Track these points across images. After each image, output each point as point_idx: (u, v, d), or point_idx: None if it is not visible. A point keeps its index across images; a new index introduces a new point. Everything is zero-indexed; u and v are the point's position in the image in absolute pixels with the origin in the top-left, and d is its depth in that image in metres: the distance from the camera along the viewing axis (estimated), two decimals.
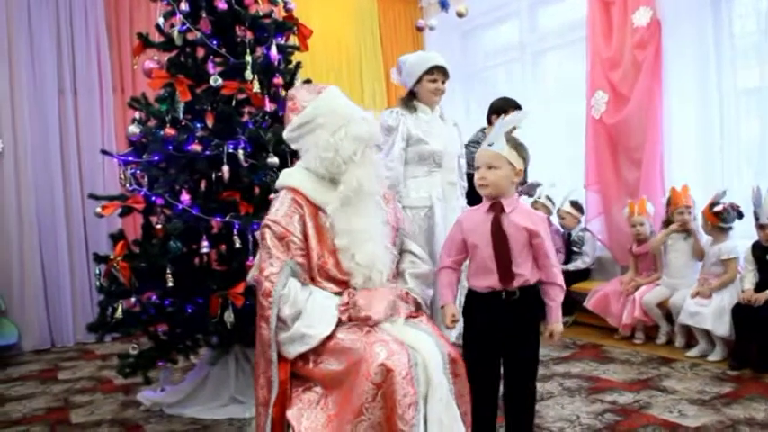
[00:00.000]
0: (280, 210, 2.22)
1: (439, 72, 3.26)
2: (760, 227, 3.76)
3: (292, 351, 2.08)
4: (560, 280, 2.35)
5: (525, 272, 2.29)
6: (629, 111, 4.77)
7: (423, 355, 2.01)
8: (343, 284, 2.22)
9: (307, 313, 2.10)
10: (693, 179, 4.49)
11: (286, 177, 2.36)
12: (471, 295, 2.38)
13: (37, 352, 5.17)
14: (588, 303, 4.79)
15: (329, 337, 2.08)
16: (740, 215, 3.98)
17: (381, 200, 2.36)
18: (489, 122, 4.43)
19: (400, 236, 2.43)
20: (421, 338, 2.08)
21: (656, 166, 4.67)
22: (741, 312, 3.69)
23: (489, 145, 2.30)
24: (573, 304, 5.14)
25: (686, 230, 4.29)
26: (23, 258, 5.25)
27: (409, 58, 3.37)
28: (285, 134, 2.40)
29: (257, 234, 2.94)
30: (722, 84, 4.53)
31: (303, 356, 2.11)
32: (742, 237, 4.05)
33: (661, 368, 3.80)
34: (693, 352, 4.01)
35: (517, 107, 4.31)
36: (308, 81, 3.74)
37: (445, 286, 2.38)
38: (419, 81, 3.28)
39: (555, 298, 2.34)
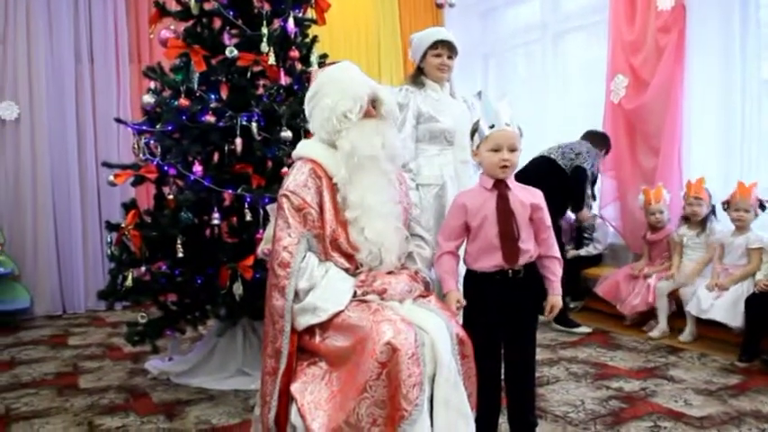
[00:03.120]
0: (298, 179, 2.19)
1: (443, 47, 3.19)
2: None
3: (302, 322, 2.08)
4: (558, 253, 2.39)
5: (530, 247, 2.32)
6: (649, 96, 4.69)
7: (431, 336, 2.00)
8: (353, 260, 2.21)
9: (321, 288, 2.10)
10: (712, 169, 4.42)
11: (304, 148, 2.34)
12: (474, 277, 2.36)
13: (48, 317, 5.25)
14: (598, 289, 4.76)
15: (337, 313, 2.07)
16: (763, 206, 3.92)
17: (395, 179, 2.33)
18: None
19: (409, 219, 2.41)
20: (430, 318, 2.07)
21: (674, 155, 4.60)
22: (756, 304, 3.65)
23: (507, 124, 2.27)
24: (583, 290, 5.13)
25: (699, 223, 4.23)
26: (37, 224, 5.30)
27: (417, 33, 3.33)
28: (306, 112, 2.38)
29: (268, 208, 2.94)
30: (746, 73, 4.43)
31: (310, 330, 2.11)
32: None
33: (669, 357, 3.78)
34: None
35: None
36: (324, 55, 3.71)
37: (447, 273, 2.35)
38: (424, 56, 3.22)
39: (555, 272, 2.38)
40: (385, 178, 2.25)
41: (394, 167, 2.32)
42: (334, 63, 2.49)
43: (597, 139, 4.67)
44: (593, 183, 4.64)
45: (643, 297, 4.41)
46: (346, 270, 2.20)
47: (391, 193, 2.28)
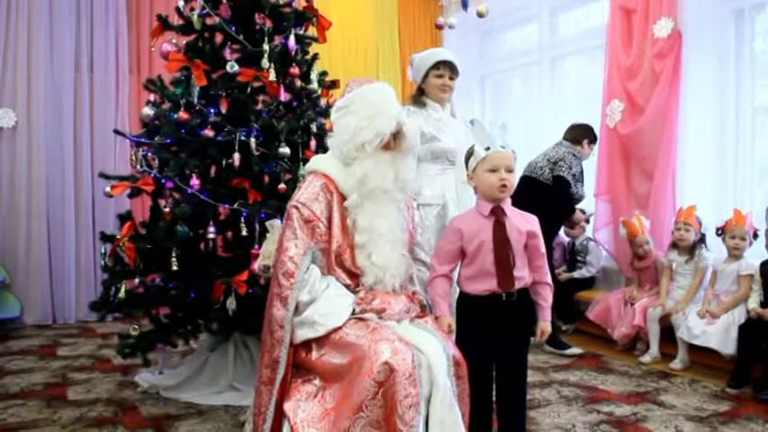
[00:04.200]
0: (309, 192, 2.22)
1: (445, 67, 3.21)
2: None
3: (300, 335, 2.09)
4: (550, 279, 2.42)
5: (525, 274, 2.34)
6: (645, 121, 4.73)
7: (428, 357, 2.01)
8: (355, 278, 2.23)
9: (321, 302, 2.11)
10: (706, 194, 4.46)
11: (318, 162, 2.36)
12: (467, 300, 2.37)
13: (38, 327, 5.22)
14: (590, 314, 4.76)
15: (335, 330, 2.08)
16: (756, 235, 3.94)
17: (404, 206, 2.36)
18: (579, 144, 4.59)
19: (413, 243, 2.43)
20: (427, 339, 2.08)
21: (667, 179, 4.64)
22: (749, 331, 3.66)
23: (502, 147, 2.30)
24: (575, 312, 5.13)
25: (687, 250, 4.26)
26: (31, 233, 5.29)
27: (419, 53, 3.35)
28: (331, 117, 2.41)
29: (267, 223, 2.94)
30: (740, 100, 4.50)
31: (306, 346, 2.11)
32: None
33: (660, 382, 3.78)
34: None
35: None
36: (324, 73, 3.74)
37: (440, 296, 2.36)
38: (426, 76, 3.24)
39: (547, 298, 2.41)
40: (395, 206, 2.28)
41: (404, 196, 2.34)
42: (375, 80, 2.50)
43: (580, 134, 4.62)
44: (580, 180, 4.54)
45: (629, 321, 4.42)
46: (347, 286, 2.21)
47: (400, 221, 2.30)
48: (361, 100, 2.27)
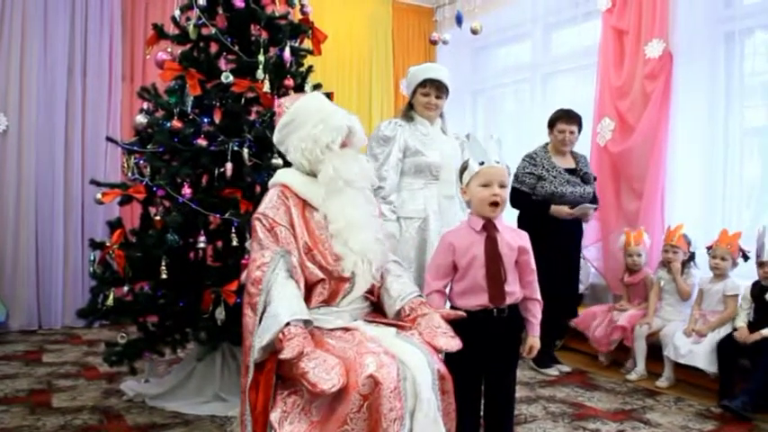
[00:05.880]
0: (267, 203, 2.31)
1: (432, 86, 3.23)
2: (760, 264, 3.76)
3: (264, 341, 2.04)
4: (540, 295, 2.44)
5: (516, 289, 2.35)
6: (635, 141, 4.79)
7: (412, 370, 2.01)
8: (328, 272, 2.25)
9: (263, 319, 2.08)
10: (695, 214, 4.51)
11: (277, 176, 2.45)
12: None
13: (23, 332, 5.17)
14: (574, 321, 4.73)
15: (320, 344, 2.07)
16: (746, 257, 3.97)
17: (370, 194, 2.45)
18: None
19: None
20: (412, 353, 2.07)
21: (656, 199, 4.68)
22: (728, 347, 3.70)
23: (497, 162, 2.32)
24: (563, 328, 5.14)
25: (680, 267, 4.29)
26: (18, 238, 5.25)
27: (414, 67, 3.38)
28: (274, 138, 2.49)
29: None
30: (729, 121, 4.55)
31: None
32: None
33: (646, 400, 3.79)
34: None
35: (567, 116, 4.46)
36: (317, 86, 3.76)
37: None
38: (414, 93, 3.28)
39: (537, 314, 2.43)
40: (361, 194, 2.37)
41: (367, 183, 2.43)
42: (324, 91, 2.58)
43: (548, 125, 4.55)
44: (546, 177, 4.35)
45: (609, 322, 4.44)
46: (321, 281, 2.24)
47: (369, 207, 2.39)
48: (306, 110, 2.37)
